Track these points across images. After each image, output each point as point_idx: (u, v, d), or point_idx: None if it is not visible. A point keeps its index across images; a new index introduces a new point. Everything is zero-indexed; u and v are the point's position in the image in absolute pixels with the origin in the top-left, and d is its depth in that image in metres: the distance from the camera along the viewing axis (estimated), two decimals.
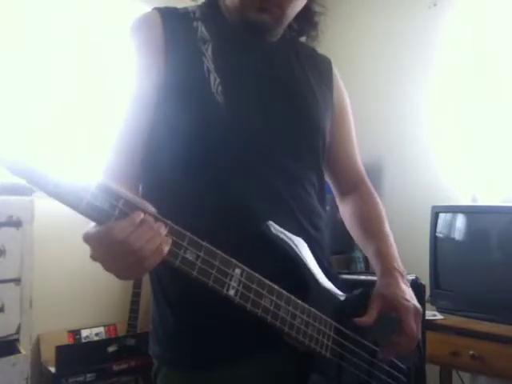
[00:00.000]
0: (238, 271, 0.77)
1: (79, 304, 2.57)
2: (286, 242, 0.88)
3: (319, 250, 0.97)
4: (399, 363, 0.99)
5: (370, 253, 1.05)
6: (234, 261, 0.77)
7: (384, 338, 0.94)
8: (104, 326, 2.64)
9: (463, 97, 2.62)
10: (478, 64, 2.56)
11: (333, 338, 0.90)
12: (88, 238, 0.68)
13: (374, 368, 0.95)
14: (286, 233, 0.89)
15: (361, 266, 2.77)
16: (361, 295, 0.97)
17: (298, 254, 0.89)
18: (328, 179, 1.14)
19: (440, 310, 2.21)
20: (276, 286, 0.82)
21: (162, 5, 0.97)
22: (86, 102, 2.46)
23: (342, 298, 0.95)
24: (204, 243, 0.73)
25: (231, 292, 0.76)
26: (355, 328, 0.92)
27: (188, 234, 0.72)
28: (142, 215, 0.67)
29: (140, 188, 0.95)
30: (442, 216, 2.32)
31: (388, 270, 0.99)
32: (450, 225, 2.32)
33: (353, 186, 1.16)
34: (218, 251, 0.75)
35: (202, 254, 0.73)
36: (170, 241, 0.70)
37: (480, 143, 2.54)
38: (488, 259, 2.18)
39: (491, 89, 2.51)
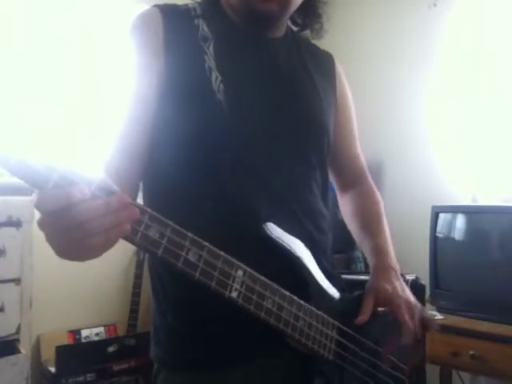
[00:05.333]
0: (240, 272, 0.75)
1: (79, 304, 2.57)
2: (283, 244, 0.86)
3: (321, 252, 0.96)
4: (401, 364, 0.98)
5: (366, 249, 1.05)
6: (235, 262, 0.75)
7: (385, 336, 0.94)
8: (104, 326, 2.65)
9: (463, 96, 2.62)
10: (478, 64, 2.56)
11: (335, 339, 0.88)
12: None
13: (377, 369, 0.94)
14: (285, 234, 0.87)
15: (361, 265, 2.76)
16: (359, 296, 0.96)
17: (295, 257, 0.87)
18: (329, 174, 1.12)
19: (440, 310, 2.20)
20: (278, 287, 0.80)
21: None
22: (86, 101, 2.46)
23: (341, 300, 0.94)
24: (206, 243, 0.71)
25: (234, 294, 0.74)
26: (355, 328, 0.91)
27: (190, 234, 0.70)
28: (81, 191, 0.59)
29: (141, 185, 0.94)
30: (442, 216, 2.32)
31: (381, 266, 0.99)
32: (450, 225, 2.32)
33: (353, 181, 1.15)
34: (221, 252, 0.73)
35: (204, 255, 0.71)
36: (128, 228, 0.62)
37: (480, 143, 2.54)
38: (488, 259, 2.18)
39: (491, 89, 2.51)
